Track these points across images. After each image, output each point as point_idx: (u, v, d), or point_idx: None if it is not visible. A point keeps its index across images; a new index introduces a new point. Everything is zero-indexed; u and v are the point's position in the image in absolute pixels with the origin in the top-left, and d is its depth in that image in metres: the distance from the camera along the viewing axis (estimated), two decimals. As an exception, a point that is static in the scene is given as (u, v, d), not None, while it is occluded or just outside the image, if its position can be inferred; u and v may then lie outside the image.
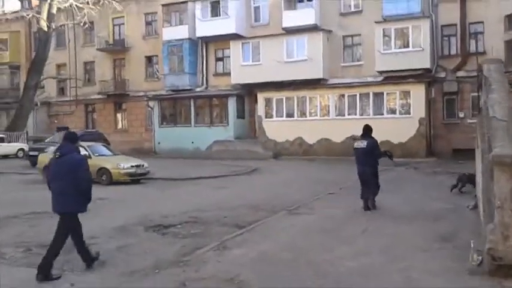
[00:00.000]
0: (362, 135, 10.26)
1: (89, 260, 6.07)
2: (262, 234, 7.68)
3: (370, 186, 10.02)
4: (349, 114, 25.22)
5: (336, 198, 11.82)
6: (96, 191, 7.11)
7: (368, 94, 24.83)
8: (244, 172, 18.48)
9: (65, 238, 5.90)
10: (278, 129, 26.21)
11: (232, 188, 14.51)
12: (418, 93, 23.81)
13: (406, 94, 24.30)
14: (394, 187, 13.46)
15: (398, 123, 23.88)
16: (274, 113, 26.73)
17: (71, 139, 6.11)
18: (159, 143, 28.56)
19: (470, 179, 11.73)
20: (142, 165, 16.10)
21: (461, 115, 24.49)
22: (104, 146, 17.62)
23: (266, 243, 7.12)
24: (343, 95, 25.40)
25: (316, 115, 25.89)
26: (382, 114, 24.57)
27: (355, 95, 25.08)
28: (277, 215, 9.51)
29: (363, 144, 9.94)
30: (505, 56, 23.16)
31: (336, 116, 25.52)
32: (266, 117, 26.78)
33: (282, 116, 26.53)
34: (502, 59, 24.16)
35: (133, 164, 15.90)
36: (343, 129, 24.82)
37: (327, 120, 25.51)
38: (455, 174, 14.20)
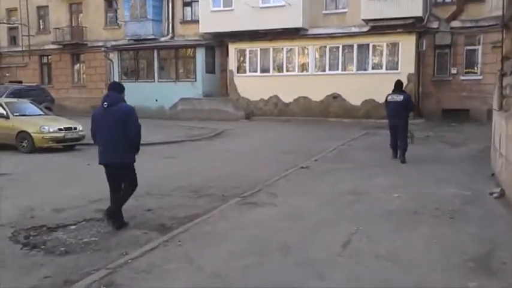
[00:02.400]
0: (394, 90, 10.69)
1: (120, 223, 5.82)
2: (181, 256, 4.73)
3: (401, 137, 10.45)
4: (330, 70, 22.21)
5: (309, 176, 8.98)
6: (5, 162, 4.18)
7: (352, 46, 21.76)
8: (206, 136, 15.55)
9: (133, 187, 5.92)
10: (251, 86, 23.11)
11: (182, 158, 11.63)
12: (407, 45, 20.81)
13: (394, 46, 21.29)
14: (380, 157, 10.67)
15: (385, 79, 20.78)
16: (247, 68, 23.54)
17: (117, 89, 5.87)
18: (119, 99, 25.17)
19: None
20: (75, 128, 13.02)
21: (454, 71, 21.67)
22: (32, 103, 14.34)
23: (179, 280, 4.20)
24: (324, 47, 22.28)
25: (294, 70, 22.83)
26: (367, 69, 21.59)
27: (338, 47, 21.99)
28: (223, 207, 6.67)
29: (398, 98, 10.40)
30: (506, 4, 20.14)
31: (316, 71, 22.48)
32: (238, 72, 23.59)
33: (256, 71, 23.38)
34: (503, 9, 21.27)
35: (63, 127, 12.79)
36: (324, 86, 21.94)
37: (306, 76, 22.50)
38: (453, 145, 11.59)
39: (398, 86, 10.70)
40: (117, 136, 5.55)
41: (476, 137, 14.52)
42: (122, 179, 5.89)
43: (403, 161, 10.15)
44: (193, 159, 11.53)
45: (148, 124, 18.07)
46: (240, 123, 20.75)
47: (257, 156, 11.75)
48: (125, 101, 5.85)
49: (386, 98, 10.82)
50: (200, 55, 23.90)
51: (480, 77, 21.15)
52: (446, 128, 17.81)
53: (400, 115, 10.40)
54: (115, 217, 5.74)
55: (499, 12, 20.94)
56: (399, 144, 10.45)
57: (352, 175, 8.83)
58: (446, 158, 10.79)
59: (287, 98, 22.75)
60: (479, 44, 21.22)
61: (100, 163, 5.82)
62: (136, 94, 23.65)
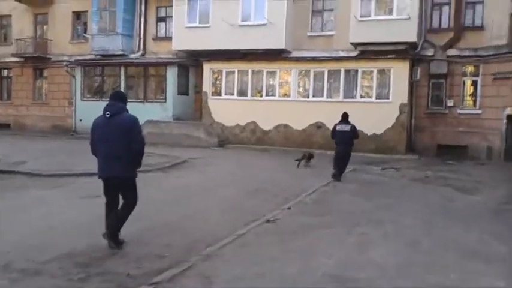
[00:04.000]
0: (341, 120, 11.81)
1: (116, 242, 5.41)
2: None
3: (344, 162, 11.67)
4: (314, 96, 19.62)
5: (274, 238, 6.10)
6: None
7: (339, 71, 19.23)
8: (162, 167, 12.63)
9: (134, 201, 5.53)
10: (227, 110, 20.38)
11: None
12: (400, 73, 18.33)
13: (385, 74, 18.82)
14: (376, 207, 7.86)
15: (374, 109, 18.45)
16: (223, 90, 20.82)
17: (120, 98, 5.57)
18: (80, 120, 22.27)
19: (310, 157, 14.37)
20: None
21: (450, 104, 19.20)
22: None
23: None
24: (308, 72, 19.71)
25: (274, 95, 20.17)
26: (354, 97, 19.01)
27: (323, 72, 19.45)
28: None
29: (346, 128, 11.65)
30: (508, 33, 17.87)
31: (299, 97, 19.84)
32: (213, 94, 20.86)
33: (232, 94, 20.67)
34: (504, 35, 19.03)
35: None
36: (306, 114, 19.33)
37: (287, 102, 19.85)
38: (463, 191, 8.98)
39: (345, 117, 11.90)
40: (120, 148, 5.19)
41: (486, 180, 11.90)
42: (122, 195, 5.49)
43: (338, 180, 11.26)
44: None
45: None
46: (211, 151, 17.88)
47: (214, 198, 8.86)
48: (127, 111, 5.44)
49: (335, 127, 12.02)
50: (172, 74, 21.16)
51: (479, 111, 18.70)
52: (444, 167, 15.14)
53: (346, 143, 11.68)
54: (117, 237, 5.40)
55: (500, 41, 18.73)
56: (341, 164, 11.63)
57: (336, 239, 6.03)
58: (462, 212, 8.03)
59: (266, 125, 20.04)
60: (478, 74, 18.81)
61: (100, 177, 5.45)
62: (100, 114, 20.82)
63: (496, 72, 18.05)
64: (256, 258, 5.12)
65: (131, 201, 5.49)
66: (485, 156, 18.36)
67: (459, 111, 19.04)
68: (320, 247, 5.63)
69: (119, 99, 5.51)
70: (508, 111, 17.86)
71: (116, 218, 5.42)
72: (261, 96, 20.26)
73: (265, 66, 20.07)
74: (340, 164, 11.59)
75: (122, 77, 22.03)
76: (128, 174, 5.38)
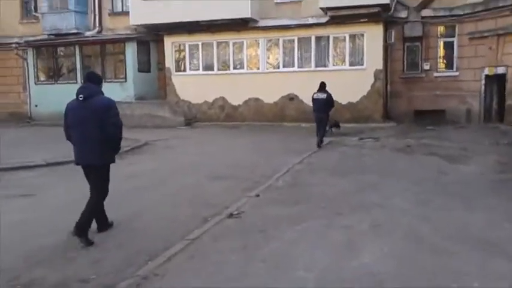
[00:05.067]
0: (319, 89, 12.31)
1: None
2: None
3: (322, 128, 11.97)
4: (285, 67, 18.12)
5: (236, 241, 4.73)
6: None
7: (309, 39, 17.74)
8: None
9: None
10: (193, 86, 18.75)
11: (45, 196, 7.08)
12: (373, 37, 16.96)
13: (358, 39, 17.43)
14: (359, 187, 6.54)
15: (348, 77, 17.09)
16: (187, 65, 19.13)
17: (94, 80, 5.08)
18: (36, 105, 20.35)
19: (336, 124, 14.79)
20: None
21: (426, 67, 17.98)
22: None
23: None
24: (277, 41, 18.16)
25: (243, 68, 18.59)
26: (327, 65, 17.61)
27: (293, 41, 17.92)
28: None
29: (322, 96, 12.01)
30: (484, -10, 16.61)
31: (269, 69, 18.33)
32: (176, 70, 19.16)
33: (197, 69, 19.02)
34: (481, -7, 17.75)
35: None
36: (278, 86, 17.86)
37: (257, 74, 18.33)
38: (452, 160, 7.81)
39: (322, 86, 12.35)
40: (96, 133, 4.78)
41: (472, 146, 10.73)
42: (92, 183, 5.06)
43: (319, 146, 11.57)
44: (61, 196, 7.03)
45: (54, 134, 13.37)
46: (177, 131, 16.33)
47: (170, 188, 7.42)
48: (103, 93, 5.01)
49: (313, 96, 12.28)
50: (131, 51, 19.34)
51: (456, 73, 17.55)
52: (424, 134, 13.99)
53: (322, 110, 11.96)
54: (86, 234, 4.87)
55: (476, -1, 17.50)
56: (320, 132, 11.91)
57: (315, 238, 4.69)
58: (459, 187, 6.75)
59: (235, 100, 18.52)
60: (454, 35, 17.58)
61: (77, 164, 5.08)
62: (56, 98, 18.85)
63: (473, 32, 16.85)
64: (209, 277, 3.73)
65: (102, 190, 5.09)
66: (464, 119, 17.32)
67: (436, 74, 17.87)
68: (295, 252, 4.28)
69: (92, 80, 5.06)
70: (486, 71, 16.75)
71: (81, 216, 4.94)
72: (229, 69, 18.66)
73: (231, 38, 18.43)
74: (319, 130, 11.89)
75: (78, 57, 20.09)
76: (105, 161, 5.02)
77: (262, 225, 5.13)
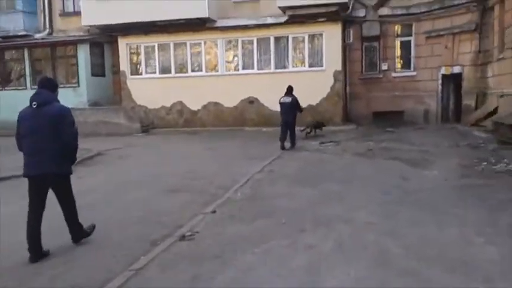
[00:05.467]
0: (286, 93, 12.37)
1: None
2: None
3: (291, 132, 12.02)
4: (244, 69, 17.66)
5: (189, 277, 4.12)
6: None
7: (268, 40, 17.37)
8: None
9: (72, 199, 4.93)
10: (149, 91, 18.03)
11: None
12: (332, 36, 16.77)
13: (317, 39, 17.16)
14: (322, 198, 6.12)
15: (308, 78, 16.81)
16: (143, 68, 18.36)
17: (49, 86, 4.76)
18: (-19, 113, 18.97)
19: (318, 125, 14.91)
20: None
21: (385, 67, 17.97)
22: None
23: None
24: (236, 42, 17.67)
25: (201, 70, 17.98)
26: (287, 67, 17.27)
27: (252, 41, 17.47)
28: None
29: (287, 100, 12.10)
30: (438, -10, 16.69)
31: (228, 71, 17.81)
32: (132, 73, 18.35)
33: (154, 72, 18.28)
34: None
35: None
36: (237, 89, 17.44)
37: (216, 77, 17.79)
38: (414, 165, 7.55)
39: (289, 90, 12.44)
40: (49, 142, 4.52)
41: (432, 148, 10.55)
42: (57, 198, 4.81)
43: (290, 148, 11.74)
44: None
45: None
46: (132, 139, 15.57)
47: (118, 205, 6.77)
48: (58, 101, 4.75)
49: (280, 100, 12.31)
50: (83, 54, 18.38)
51: (414, 73, 17.62)
52: (384, 136, 13.83)
53: (288, 114, 11.94)
54: (82, 233, 5.01)
55: (432, -3, 17.50)
56: (290, 137, 11.96)
57: (276, 264, 4.19)
58: (424, 195, 6.43)
59: (194, 104, 17.92)
60: (411, 34, 17.60)
61: (25, 175, 4.65)
62: (4, 105, 17.84)
63: (429, 30, 16.90)
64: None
65: (69, 203, 4.89)
66: (422, 119, 17.38)
67: (394, 74, 17.86)
68: (253, 282, 3.77)
69: (47, 86, 4.74)
70: (443, 70, 16.84)
71: (70, 225, 4.94)
72: (186, 72, 18.01)
73: (188, 38, 17.80)
74: (283, 135, 11.87)
75: (27, 61, 18.97)
76: (59, 171, 4.67)
77: (218, 248, 4.60)
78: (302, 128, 14.22)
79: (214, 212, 6.05)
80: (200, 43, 17.85)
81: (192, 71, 18.00)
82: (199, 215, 5.89)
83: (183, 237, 5.02)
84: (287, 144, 11.84)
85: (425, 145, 11.39)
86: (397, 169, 8.46)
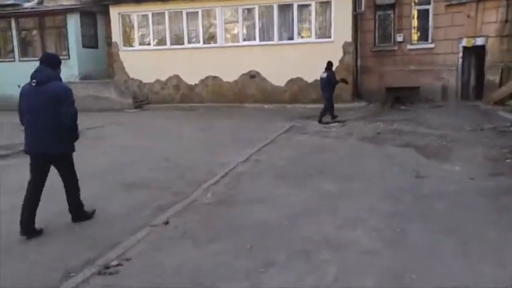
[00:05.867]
0: (325, 68, 11.96)
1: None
2: None
3: (325, 104, 11.76)
4: (245, 40, 15.87)
5: None
6: None
7: (272, 8, 15.46)
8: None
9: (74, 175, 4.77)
10: (143, 63, 16.42)
11: None
12: (341, 4, 14.83)
13: (325, 7, 15.22)
14: (313, 206, 4.55)
15: (315, 51, 14.97)
16: (136, 39, 16.72)
17: (51, 63, 4.49)
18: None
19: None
20: None
21: (400, 39, 16.05)
22: None
23: None
24: (235, 10, 15.86)
25: (199, 41, 16.26)
26: (292, 38, 15.44)
27: (253, 10, 15.63)
28: None
29: (324, 75, 11.84)
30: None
31: (227, 42, 16.07)
32: (125, 45, 16.74)
33: (148, 44, 16.64)
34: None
35: None
36: (238, 62, 15.73)
37: (214, 49, 16.06)
38: (440, 159, 5.96)
39: (327, 65, 12.06)
40: (49, 121, 4.30)
41: (452, 132, 8.83)
42: (60, 175, 4.67)
43: (335, 118, 11.61)
44: None
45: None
46: (122, 116, 14.13)
47: (58, 204, 5.27)
48: (60, 79, 4.54)
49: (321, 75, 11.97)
50: (73, 24, 16.74)
51: (432, 45, 15.66)
52: (397, 116, 12.14)
53: (324, 89, 11.82)
54: (83, 213, 4.81)
55: (454, -39, 15.38)
56: (328, 111, 11.76)
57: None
58: (446, 206, 4.79)
59: (191, 78, 16.29)
60: (429, 2, 15.57)
61: (27, 152, 4.48)
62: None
63: (451, -2, 14.87)
64: None
65: (70, 181, 4.70)
66: (440, 96, 15.55)
67: (409, 46, 15.95)
68: None
69: (48, 63, 4.44)
70: (464, 42, 14.88)
71: (69, 204, 4.76)
72: (183, 43, 16.32)
73: (184, 7, 16.02)
74: (323, 111, 11.70)
75: (14, 32, 17.41)
76: (58, 151, 4.46)
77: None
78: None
79: (166, 223, 4.56)
80: (198, 12, 16.07)
81: (189, 42, 16.29)
82: (145, 228, 4.41)
83: (105, 269, 3.54)
84: (324, 118, 11.59)
85: (444, 128, 9.69)
86: (410, 161, 6.82)
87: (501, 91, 13.08)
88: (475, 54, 14.77)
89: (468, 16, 14.49)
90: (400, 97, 15.04)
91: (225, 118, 12.89)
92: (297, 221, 4.42)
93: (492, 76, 14.04)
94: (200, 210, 4.94)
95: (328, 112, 11.74)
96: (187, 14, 16.11)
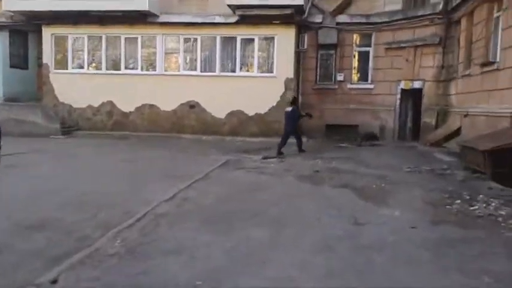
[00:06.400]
0: (290, 103, 12.34)
1: None
2: None
3: (296, 138, 11.99)
4: (186, 70, 15.20)
5: None
6: None
7: (214, 39, 14.99)
8: None
9: None
10: (75, 87, 15.30)
11: None
12: (285, 42, 14.63)
13: (268, 43, 14.97)
14: (236, 260, 3.76)
15: (257, 85, 14.61)
16: (69, 61, 15.58)
17: None
18: None
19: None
20: None
21: (340, 78, 16.02)
22: None
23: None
24: (177, 39, 15.22)
25: (136, 68, 15.40)
26: (234, 71, 14.96)
27: (196, 40, 15.06)
28: None
29: (289, 109, 11.91)
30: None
31: (167, 71, 15.33)
32: (56, 67, 15.52)
33: (82, 67, 15.53)
34: (398, 0, 16.09)
35: None
36: (177, 91, 15.00)
37: (153, 76, 15.26)
38: (377, 202, 5.40)
39: (293, 100, 12.61)
40: None
41: (391, 174, 8.45)
42: None
43: (301, 151, 11.85)
44: None
45: None
46: (46, 142, 12.82)
47: None
48: None
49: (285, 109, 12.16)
50: (1, 42, 15.36)
51: (371, 86, 15.74)
52: (336, 153, 11.78)
53: (287, 123, 11.94)
54: None
55: (394, 6, 15.69)
56: (297, 143, 12.01)
57: None
58: (388, 263, 4.18)
59: (126, 106, 15.32)
60: (370, 44, 15.73)
61: None
62: None
63: (390, 42, 15.07)
64: None
65: None
66: (378, 135, 15.50)
67: (349, 86, 15.95)
68: None
69: None
70: (402, 85, 15.03)
71: None
72: (119, 69, 15.38)
73: (123, 32, 15.21)
74: (282, 144, 11.68)
75: None
76: None
77: None
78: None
79: (54, 282, 3.60)
80: (137, 38, 15.29)
81: (126, 68, 15.40)
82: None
83: None
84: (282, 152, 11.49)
85: (382, 168, 9.35)
86: (348, 204, 6.26)
87: (437, 133, 13.15)
88: (413, 97, 14.94)
89: (407, 60, 14.68)
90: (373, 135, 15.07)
91: (158, 149, 11.98)
92: (214, 282, 3.62)
93: (428, 118, 14.16)
94: (101, 263, 4.01)
95: (279, 145, 11.58)
96: (125, 39, 15.25)
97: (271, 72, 14.81)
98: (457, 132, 11.93)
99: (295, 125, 11.97)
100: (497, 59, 9.90)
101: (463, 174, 8.36)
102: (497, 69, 9.72)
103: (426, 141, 13.30)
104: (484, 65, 10.44)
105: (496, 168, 7.77)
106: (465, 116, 11.59)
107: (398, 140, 15.18)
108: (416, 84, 14.59)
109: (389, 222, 5.32)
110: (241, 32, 14.77)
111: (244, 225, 5.15)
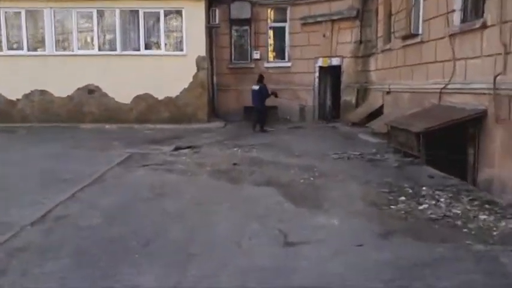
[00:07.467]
0: (257, 81, 12.22)
1: None
2: None
3: (258, 119, 11.90)
4: (80, 48, 12.87)
5: None
6: None
7: (113, 13, 12.77)
8: None
9: None
10: None
11: None
12: (194, 16, 12.85)
13: (176, 17, 13.08)
14: None
15: (165, 65, 12.76)
16: None
17: None
18: None
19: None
20: None
21: (256, 56, 14.64)
22: None
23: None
24: (69, 14, 12.79)
25: (22, 48, 12.77)
26: (138, 49, 12.92)
27: (91, 14, 12.74)
28: None
29: (256, 87, 12.01)
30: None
31: (58, 50, 12.89)
32: None
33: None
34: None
35: None
36: (73, 74, 12.69)
37: (42, 57, 12.75)
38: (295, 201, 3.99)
39: (259, 78, 12.34)
40: None
41: (319, 164, 7.24)
42: None
43: (263, 130, 11.71)
44: None
45: None
46: None
47: None
48: None
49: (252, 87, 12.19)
50: None
51: (289, 64, 14.58)
52: (255, 139, 10.43)
53: (255, 101, 12.04)
54: None
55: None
56: (256, 122, 11.88)
57: None
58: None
59: (13, 92, 12.76)
60: (286, 20, 14.46)
61: None
62: None
63: (306, 16, 13.89)
64: None
65: None
66: (298, 117, 14.45)
67: (266, 64, 14.64)
68: None
69: None
70: (320, 62, 13.99)
71: None
72: (1, 50, 12.67)
73: (2, 5, 12.43)
74: (254, 117, 11.89)
75: None
76: None
77: None
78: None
79: None
80: (20, 12, 12.61)
81: (9, 49, 12.71)
82: None
83: None
84: (257, 128, 11.77)
85: (307, 156, 8.15)
86: (274, 211, 4.89)
87: (358, 112, 12.31)
88: (332, 75, 14.00)
89: (324, 36, 13.64)
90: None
91: (49, 143, 9.79)
92: None
93: (348, 97, 13.31)
94: None
95: (259, 123, 11.76)
96: (5, 13, 12.54)
97: (181, 50, 13.01)
98: (380, 110, 11.11)
99: (263, 102, 11.95)
100: (420, 31, 9.02)
101: (396, 159, 7.39)
102: (421, 42, 8.85)
103: (348, 120, 12.44)
104: (406, 38, 9.55)
105: (430, 150, 6.86)
106: (387, 93, 10.76)
107: (318, 120, 14.24)
108: (335, 61, 13.65)
109: (329, 239, 4.00)
110: (144, 5, 12.73)
111: (130, 263, 3.54)
